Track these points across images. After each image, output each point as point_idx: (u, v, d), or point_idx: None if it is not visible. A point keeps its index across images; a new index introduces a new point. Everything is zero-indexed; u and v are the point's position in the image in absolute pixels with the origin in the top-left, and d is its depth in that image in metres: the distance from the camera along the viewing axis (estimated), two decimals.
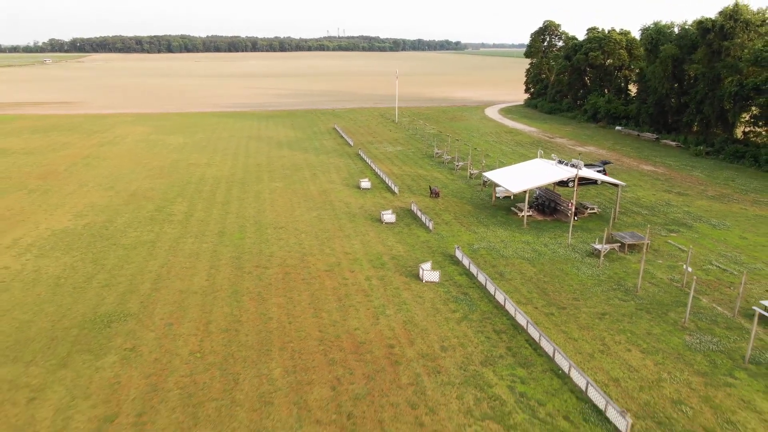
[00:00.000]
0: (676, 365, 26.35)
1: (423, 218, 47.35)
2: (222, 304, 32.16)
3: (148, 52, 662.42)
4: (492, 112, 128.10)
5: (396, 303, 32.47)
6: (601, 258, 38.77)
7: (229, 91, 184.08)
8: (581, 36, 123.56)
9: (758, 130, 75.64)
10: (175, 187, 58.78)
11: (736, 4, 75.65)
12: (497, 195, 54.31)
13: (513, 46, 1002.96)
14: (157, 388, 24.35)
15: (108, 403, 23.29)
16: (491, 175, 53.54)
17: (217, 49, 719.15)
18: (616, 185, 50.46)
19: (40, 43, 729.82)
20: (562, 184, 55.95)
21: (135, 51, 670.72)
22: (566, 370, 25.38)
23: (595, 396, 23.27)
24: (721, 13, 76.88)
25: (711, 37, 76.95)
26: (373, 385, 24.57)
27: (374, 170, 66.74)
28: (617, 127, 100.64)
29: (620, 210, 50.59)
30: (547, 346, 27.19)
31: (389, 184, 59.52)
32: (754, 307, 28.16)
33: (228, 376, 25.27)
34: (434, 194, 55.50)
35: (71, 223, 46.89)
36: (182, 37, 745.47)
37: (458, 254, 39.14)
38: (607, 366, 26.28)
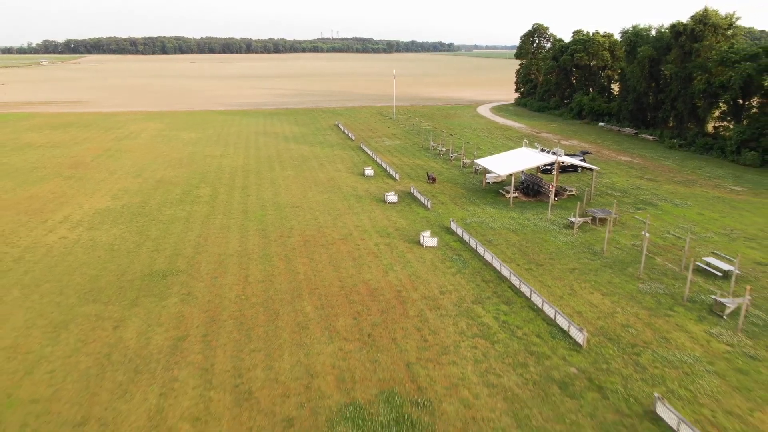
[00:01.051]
0: (628, 303, 32.87)
1: (422, 199, 53.74)
2: (256, 263, 38.41)
3: (143, 54, 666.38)
4: (484, 110, 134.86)
5: (401, 262, 38.84)
6: (575, 229, 45.32)
7: (230, 91, 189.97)
8: (568, 38, 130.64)
9: (726, 124, 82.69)
10: (197, 175, 64.90)
11: (705, 10, 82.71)
12: (488, 180, 60.79)
13: (505, 47, 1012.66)
14: (215, 319, 30.60)
15: (178, 329, 29.51)
16: (482, 161, 60.04)
17: (212, 51, 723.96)
18: (591, 170, 57.09)
19: (33, 44, 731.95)
20: (546, 171, 62.68)
21: (129, 52, 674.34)
22: (540, 305, 31.84)
23: (562, 322, 29.74)
24: (692, 17, 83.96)
25: (683, 39, 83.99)
26: (386, 317, 30.92)
27: (376, 160, 73.09)
28: (600, 123, 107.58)
29: (596, 192, 57.19)
30: (525, 290, 33.66)
31: (390, 172, 65.89)
32: (696, 262, 34.76)
33: (270, 311, 31.54)
34: (431, 180, 61.93)
35: (110, 203, 52.93)
36: (176, 38, 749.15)
37: (453, 226, 45.56)
38: (573, 303, 32.78)
